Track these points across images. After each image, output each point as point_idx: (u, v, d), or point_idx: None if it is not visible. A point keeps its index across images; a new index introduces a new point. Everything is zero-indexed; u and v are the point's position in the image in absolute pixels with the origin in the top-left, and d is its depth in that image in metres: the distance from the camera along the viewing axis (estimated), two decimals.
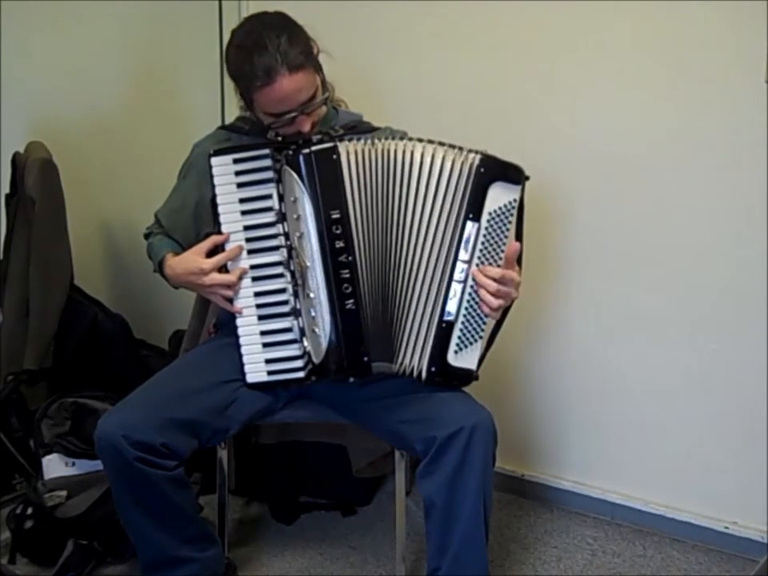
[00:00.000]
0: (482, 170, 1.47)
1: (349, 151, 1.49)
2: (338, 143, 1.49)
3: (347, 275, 1.50)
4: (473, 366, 1.53)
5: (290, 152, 1.50)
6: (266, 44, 1.48)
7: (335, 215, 1.49)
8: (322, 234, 1.49)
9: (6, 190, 2.04)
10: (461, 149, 1.49)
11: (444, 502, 1.50)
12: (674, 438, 2.02)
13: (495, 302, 1.49)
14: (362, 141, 1.50)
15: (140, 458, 1.44)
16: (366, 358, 1.53)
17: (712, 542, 2.01)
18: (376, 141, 1.50)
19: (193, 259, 1.59)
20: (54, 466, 1.86)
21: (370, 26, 2.19)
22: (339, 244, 1.49)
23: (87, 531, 1.82)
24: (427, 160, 1.48)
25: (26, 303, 1.96)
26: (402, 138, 1.52)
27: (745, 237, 1.85)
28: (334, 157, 1.48)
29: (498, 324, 1.60)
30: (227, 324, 1.68)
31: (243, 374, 1.57)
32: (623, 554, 2.00)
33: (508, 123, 2.05)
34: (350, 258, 1.50)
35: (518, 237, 1.55)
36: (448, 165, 1.48)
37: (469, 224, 1.48)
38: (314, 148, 1.48)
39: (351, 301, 1.51)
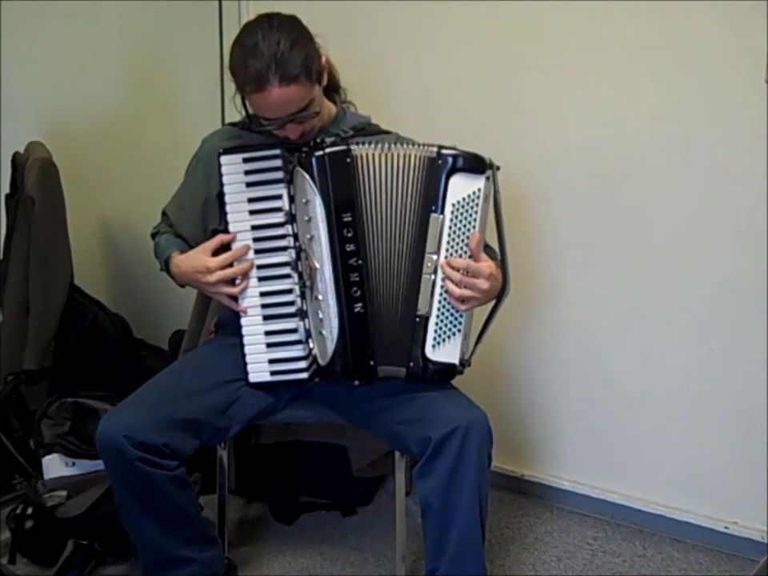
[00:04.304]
0: (440, 162, 1.48)
1: (362, 155, 1.49)
2: (352, 146, 1.49)
3: (357, 278, 1.50)
4: (454, 359, 1.52)
5: (303, 153, 1.49)
6: (264, 49, 1.44)
7: (347, 218, 1.49)
8: (332, 236, 1.49)
9: (6, 190, 2.04)
10: (422, 145, 1.50)
11: (440, 502, 1.50)
12: (673, 437, 2.02)
13: (458, 292, 1.47)
14: (373, 145, 1.50)
15: (142, 458, 1.44)
16: (371, 362, 1.53)
17: (712, 542, 2.01)
18: (381, 145, 1.50)
19: (198, 257, 1.58)
20: (54, 466, 1.86)
21: (370, 27, 2.19)
22: (350, 247, 1.49)
23: (87, 531, 1.82)
24: (400, 162, 1.49)
25: (26, 303, 1.96)
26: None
27: (745, 236, 1.85)
28: (348, 160, 1.48)
29: (489, 318, 1.59)
30: (229, 324, 1.68)
31: (246, 373, 1.57)
32: (623, 554, 2.00)
33: (508, 124, 2.05)
34: (359, 262, 1.50)
35: (498, 228, 1.55)
36: (413, 162, 1.49)
37: (433, 217, 1.49)
38: (327, 150, 1.48)
39: (360, 304, 1.51)
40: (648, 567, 1.95)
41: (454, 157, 1.48)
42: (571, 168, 2.01)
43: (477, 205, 1.48)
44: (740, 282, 1.87)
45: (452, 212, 1.48)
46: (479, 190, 1.48)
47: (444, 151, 1.49)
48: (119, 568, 1.86)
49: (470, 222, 1.48)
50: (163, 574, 1.58)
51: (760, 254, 1.83)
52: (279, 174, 1.51)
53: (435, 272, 1.50)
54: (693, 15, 1.80)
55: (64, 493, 1.82)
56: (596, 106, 1.95)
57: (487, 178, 1.49)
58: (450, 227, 1.49)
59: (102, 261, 2.42)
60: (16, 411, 1.99)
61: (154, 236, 1.76)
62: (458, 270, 1.48)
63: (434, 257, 1.49)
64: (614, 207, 1.99)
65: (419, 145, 1.51)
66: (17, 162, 1.98)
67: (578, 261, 2.06)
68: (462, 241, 1.49)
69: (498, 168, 1.51)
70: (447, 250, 1.49)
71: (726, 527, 1.99)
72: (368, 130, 1.69)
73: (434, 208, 1.48)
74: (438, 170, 1.48)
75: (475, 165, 1.48)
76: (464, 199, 1.48)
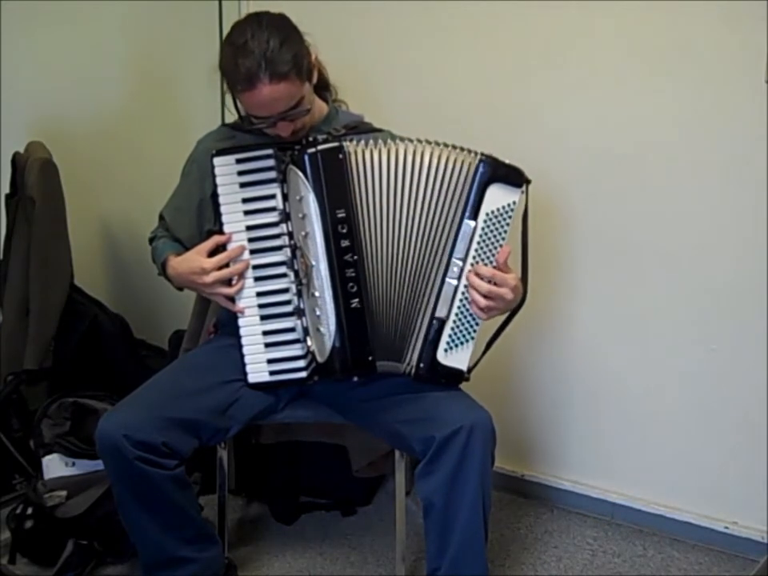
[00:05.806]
0: (481, 169, 1.48)
1: (356, 151, 1.49)
2: (344, 143, 1.49)
3: (353, 274, 1.50)
4: (463, 366, 1.53)
5: (296, 151, 1.49)
6: (254, 47, 1.45)
7: (341, 214, 1.49)
8: (327, 233, 1.49)
9: (6, 190, 2.04)
10: (462, 149, 1.50)
11: (443, 502, 1.50)
12: (674, 438, 2.02)
13: (483, 302, 1.48)
14: (367, 142, 1.50)
15: (141, 457, 1.44)
16: (370, 357, 1.53)
17: (712, 542, 2.01)
18: (381, 142, 1.50)
19: (194, 259, 1.58)
20: (54, 466, 1.86)
21: (364, 26, 2.19)
22: (345, 243, 1.49)
23: (87, 531, 1.82)
24: (434, 161, 1.49)
25: (25, 303, 1.96)
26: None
27: (745, 237, 1.85)
28: (340, 156, 1.48)
29: (501, 328, 1.60)
30: (228, 324, 1.68)
31: (245, 374, 1.57)
32: (623, 554, 2.00)
33: (508, 125, 2.05)
34: (355, 258, 1.50)
35: (524, 241, 1.56)
36: (450, 165, 1.49)
37: (465, 223, 1.49)
38: (319, 147, 1.48)
39: (356, 300, 1.51)
40: (648, 567, 1.95)
41: (495, 166, 1.48)
42: (570, 169, 2.01)
43: (509, 217, 1.49)
44: (740, 282, 1.87)
45: (485, 221, 1.49)
46: (514, 202, 1.49)
47: (485, 158, 1.49)
48: (119, 568, 1.86)
49: (500, 234, 1.49)
50: (163, 574, 1.57)
51: (760, 254, 1.83)
52: (272, 174, 1.52)
53: (459, 277, 1.50)
54: (693, 15, 1.80)
55: (64, 493, 1.82)
56: (595, 106, 1.95)
57: (522, 192, 1.49)
58: (481, 236, 1.49)
59: (101, 261, 2.42)
60: (16, 411, 1.99)
61: (151, 241, 1.76)
62: (483, 279, 1.48)
63: (460, 262, 1.50)
64: (613, 208, 1.98)
65: (459, 149, 1.50)
66: (17, 162, 1.98)
67: (579, 263, 2.05)
68: (490, 250, 1.50)
69: (529, 182, 1.51)
70: (474, 258, 1.49)
71: (726, 527, 1.98)
72: (361, 129, 1.69)
73: (467, 214, 1.49)
74: (475, 176, 1.48)
75: (514, 177, 1.49)
76: (498, 210, 1.49)
